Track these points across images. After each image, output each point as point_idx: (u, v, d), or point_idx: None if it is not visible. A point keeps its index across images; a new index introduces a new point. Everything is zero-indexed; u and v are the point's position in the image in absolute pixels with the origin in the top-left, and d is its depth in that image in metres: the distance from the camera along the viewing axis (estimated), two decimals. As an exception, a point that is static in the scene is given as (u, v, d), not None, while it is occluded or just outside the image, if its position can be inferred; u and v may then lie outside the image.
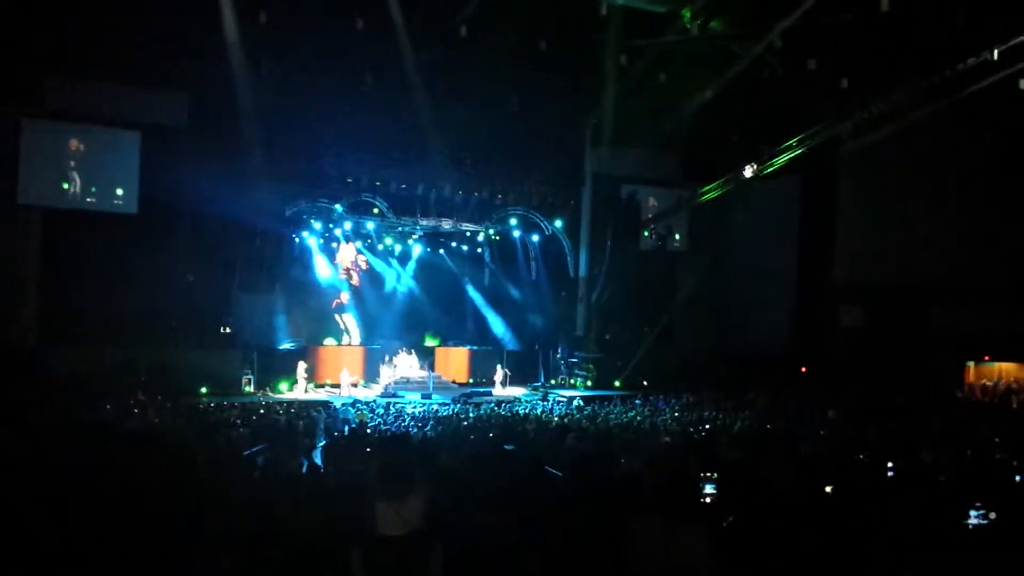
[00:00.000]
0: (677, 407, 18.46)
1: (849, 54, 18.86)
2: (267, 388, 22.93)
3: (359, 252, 27.24)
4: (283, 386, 23.23)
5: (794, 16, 16.64)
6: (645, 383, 25.00)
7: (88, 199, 21.41)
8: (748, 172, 25.33)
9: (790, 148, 23.46)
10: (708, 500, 5.58)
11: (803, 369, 24.86)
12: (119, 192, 21.57)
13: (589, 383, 25.88)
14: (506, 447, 8.87)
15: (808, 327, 25.56)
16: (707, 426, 14.02)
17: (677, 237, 28.73)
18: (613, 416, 16.42)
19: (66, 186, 21.14)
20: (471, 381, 26.67)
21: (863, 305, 23.52)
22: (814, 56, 18.66)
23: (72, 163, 21.19)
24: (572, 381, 26.16)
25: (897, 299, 22.56)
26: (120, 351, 20.66)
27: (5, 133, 20.44)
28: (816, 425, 13.04)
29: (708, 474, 5.65)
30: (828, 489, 6.12)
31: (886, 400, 17.19)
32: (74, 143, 21.27)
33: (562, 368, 26.94)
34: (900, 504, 4.88)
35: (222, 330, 23.18)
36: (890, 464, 6.19)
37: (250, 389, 22.46)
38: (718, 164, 26.98)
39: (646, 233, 28.14)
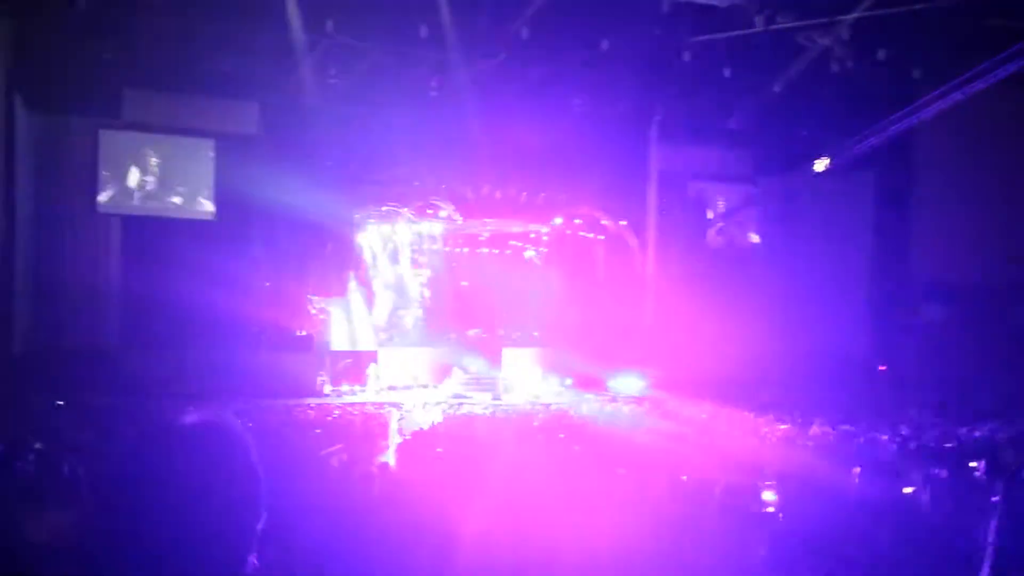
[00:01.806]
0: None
1: (922, 43, 18.31)
2: (342, 390, 23.32)
3: (427, 254, 27.51)
4: (357, 388, 23.60)
5: (863, 6, 16.23)
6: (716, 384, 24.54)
7: (165, 206, 22.11)
8: (820, 166, 24.86)
9: (862, 141, 22.97)
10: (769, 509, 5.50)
11: (881, 368, 24.20)
12: (195, 199, 22.23)
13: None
14: (574, 447, 8.90)
15: (886, 326, 24.86)
16: (782, 427, 13.79)
17: (747, 235, 28.26)
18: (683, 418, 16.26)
19: (143, 194, 21.85)
20: (539, 383, 26.63)
21: (943, 303, 22.78)
22: (885, 46, 18.15)
23: (149, 171, 21.91)
24: (639, 383, 25.89)
25: (979, 296, 21.79)
26: (198, 355, 21.25)
27: (84, 144, 21.23)
28: (895, 426, 12.71)
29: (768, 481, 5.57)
30: (907, 491, 5.98)
31: (967, 400, 16.66)
32: (151, 152, 22.00)
33: (631, 369, 26.71)
34: (981, 506, 4.74)
35: (298, 333, 23.68)
36: (972, 464, 6.02)
37: (326, 391, 22.86)
38: (788, 159, 26.55)
39: (714, 230, 27.78)
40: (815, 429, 12.80)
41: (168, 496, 1.50)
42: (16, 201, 17.80)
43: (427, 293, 27.76)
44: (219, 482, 1.54)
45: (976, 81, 19.14)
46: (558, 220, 26.65)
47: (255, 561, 1.61)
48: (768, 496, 6.07)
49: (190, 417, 1.63)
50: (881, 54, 18.40)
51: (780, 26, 17.24)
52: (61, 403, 14.95)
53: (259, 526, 1.62)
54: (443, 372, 25.44)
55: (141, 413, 13.65)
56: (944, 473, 5.63)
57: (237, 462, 1.60)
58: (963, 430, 11.19)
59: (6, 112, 17.17)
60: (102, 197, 21.42)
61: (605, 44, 18.73)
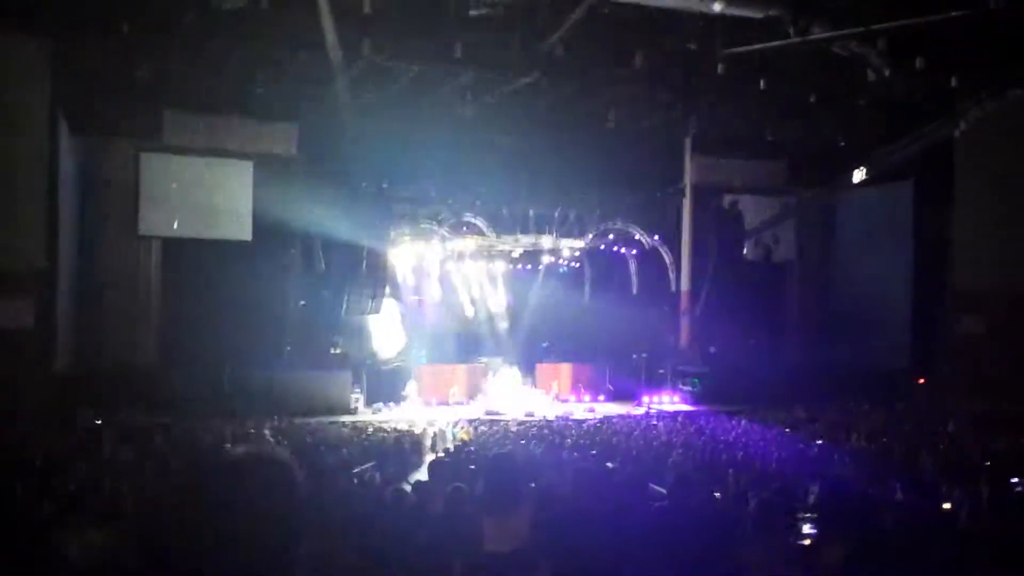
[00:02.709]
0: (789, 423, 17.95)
1: (958, 51, 18.03)
2: (376, 407, 23.43)
3: (463, 271, 27.64)
4: (391, 405, 23.71)
5: (899, 17, 16.03)
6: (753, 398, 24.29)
7: (205, 227, 22.43)
8: (857, 177, 24.53)
9: (900, 151, 22.64)
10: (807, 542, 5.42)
11: (921, 380, 23.74)
12: (234, 221, 22.50)
13: (693, 398, 25.42)
14: (608, 464, 8.84)
15: (927, 337, 24.40)
16: (820, 441, 13.61)
17: (783, 247, 27.98)
18: (720, 433, 16.11)
19: (183, 216, 22.20)
20: (572, 398, 26.53)
21: (984, 313, 22.30)
22: (921, 55, 17.90)
23: (189, 193, 22.25)
24: (674, 398, 25.70)
25: (1021, 307, 21.31)
26: (236, 373, 21.50)
27: (126, 166, 21.66)
28: (935, 439, 12.47)
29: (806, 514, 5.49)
30: (947, 506, 5.87)
31: (1009, 412, 16.28)
32: (191, 174, 22.35)
33: (666, 383, 26.55)
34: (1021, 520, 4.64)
35: (333, 351, 23.87)
36: (1014, 480, 5.89)
37: (360, 408, 22.99)
38: (825, 169, 26.26)
39: (750, 243, 27.55)
40: (852, 443, 12.63)
41: (211, 523, 1.53)
42: (59, 221, 18.17)
43: (466, 311, 27.88)
44: (263, 512, 1.58)
45: (1014, 88, 18.83)
46: (591, 235, 26.60)
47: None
48: (805, 512, 5.99)
49: (239, 448, 1.67)
50: (919, 62, 18.14)
51: (815, 36, 17.08)
52: (100, 421, 15.20)
53: (301, 554, 1.65)
54: (476, 388, 25.48)
55: (187, 436, 13.86)
56: (985, 488, 5.52)
57: (280, 495, 1.63)
58: (1003, 442, 10.95)
59: (50, 134, 17.57)
60: (142, 219, 21.78)
61: (639, 59, 18.70)
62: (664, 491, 6.99)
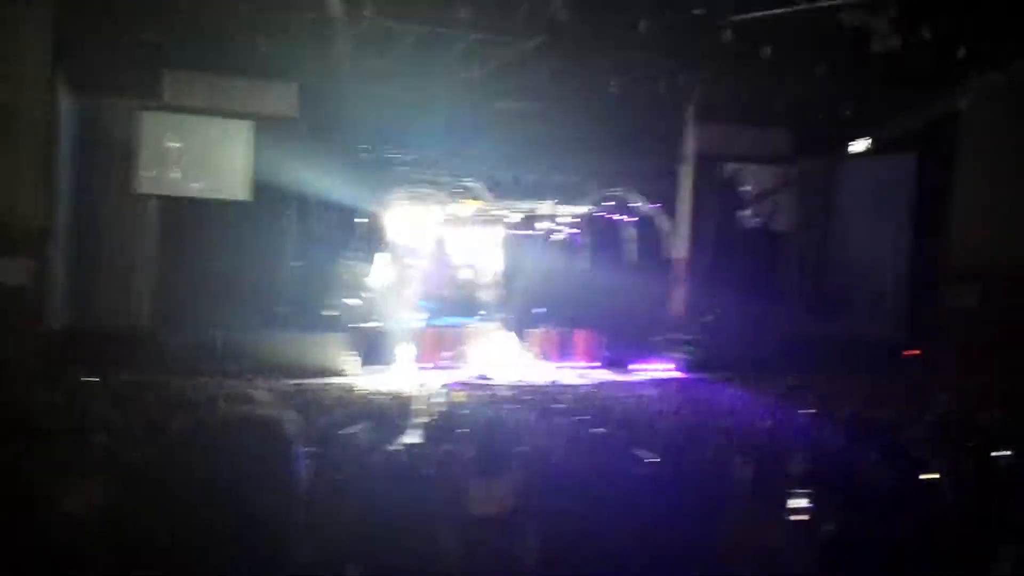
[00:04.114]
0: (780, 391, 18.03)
1: (967, 23, 17.87)
2: (370, 369, 23.50)
3: (458, 234, 27.62)
4: (384, 367, 23.78)
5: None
6: (746, 367, 24.37)
7: (203, 187, 22.35)
8: (860, 147, 24.45)
9: (905, 122, 22.53)
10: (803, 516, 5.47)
11: (912, 353, 23.83)
12: (234, 181, 22.39)
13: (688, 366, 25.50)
14: (599, 429, 8.91)
15: (921, 310, 24.48)
16: (810, 410, 13.68)
17: (782, 217, 27.92)
18: (712, 401, 16.19)
19: (182, 175, 22.10)
20: (566, 364, 26.60)
21: (980, 288, 22.34)
22: (930, 24, 17.74)
23: (188, 153, 22.13)
24: (668, 365, 25.78)
25: (1017, 282, 21.33)
26: (229, 335, 21.52)
27: (124, 125, 21.51)
28: (924, 412, 12.55)
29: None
30: (934, 477, 5.92)
31: (1000, 387, 16.36)
32: (190, 134, 22.21)
33: (660, 350, 26.62)
34: (1004, 493, 4.70)
35: (327, 313, 23.89)
36: (997, 453, 5.95)
37: (354, 371, 23.07)
38: (828, 139, 26.11)
39: (750, 212, 27.49)
40: (843, 413, 12.70)
41: (206, 486, 1.54)
42: (56, 181, 18.11)
43: (462, 275, 27.89)
44: (260, 476, 1.58)
45: (1021, 63, 18.70)
46: (590, 202, 26.55)
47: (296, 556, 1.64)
48: (792, 484, 6.04)
49: (236, 410, 1.67)
50: (926, 32, 17.98)
51: (822, 3, 16.94)
52: (94, 381, 15.21)
53: (298, 522, 1.66)
54: (469, 352, 25.50)
55: (179, 396, 13.91)
56: (970, 462, 5.58)
57: (279, 457, 1.64)
58: (991, 418, 11.01)
59: (49, 93, 17.45)
60: (140, 178, 21.67)
61: (643, 25, 18.52)
62: (654, 457, 7.05)
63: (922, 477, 5.62)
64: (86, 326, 20.40)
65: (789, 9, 17.05)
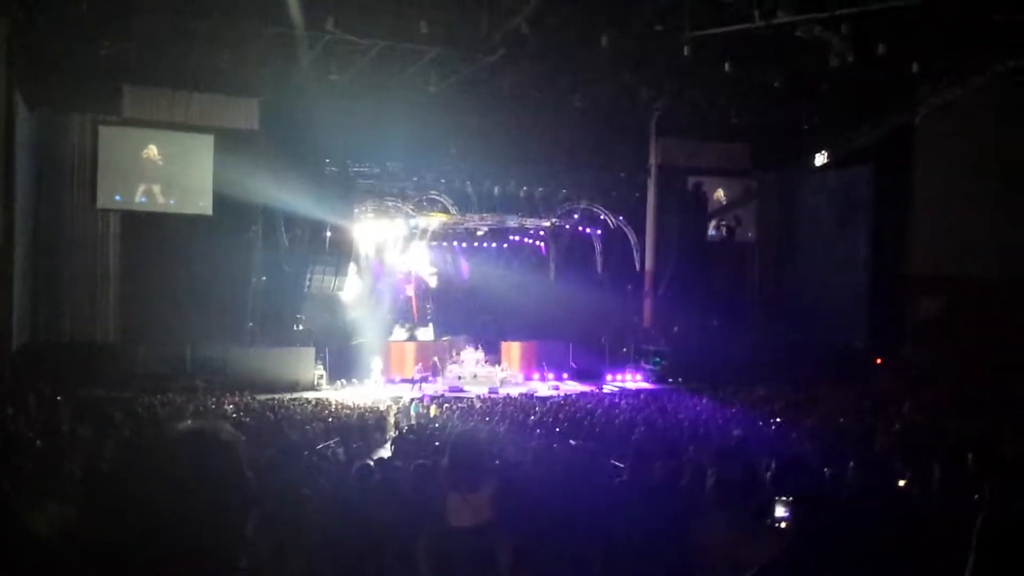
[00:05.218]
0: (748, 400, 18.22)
1: (920, 38, 18.28)
2: (340, 384, 23.37)
3: (426, 249, 27.59)
4: (355, 381, 23.66)
5: (862, 3, 16.20)
6: (714, 377, 24.61)
7: (164, 202, 22.12)
8: (819, 160, 24.88)
9: (861, 135, 22.97)
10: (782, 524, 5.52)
11: (878, 361, 24.22)
12: (194, 195, 22.20)
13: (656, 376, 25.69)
14: (571, 441, 8.93)
15: (883, 319, 24.90)
16: (778, 419, 13.84)
17: (745, 228, 28.32)
18: (681, 411, 16.31)
19: (143, 189, 21.87)
20: (536, 376, 26.70)
21: (941, 297, 22.80)
22: (884, 41, 18.13)
23: (148, 167, 21.91)
24: (636, 376, 25.97)
25: (977, 291, 21.79)
26: (197, 349, 21.30)
27: (84, 140, 21.24)
28: (891, 419, 12.76)
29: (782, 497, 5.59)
30: (901, 483, 6.01)
31: (965, 394, 16.68)
32: (150, 148, 21.99)
33: (629, 361, 26.81)
34: (976, 499, 4.79)
35: (296, 328, 23.73)
36: (968, 458, 6.05)
37: (324, 385, 22.93)
38: (787, 153, 26.56)
39: (713, 224, 27.83)
40: (810, 421, 12.86)
41: (161, 499, 1.56)
42: (16, 196, 17.78)
43: (430, 285, 27.86)
44: (208, 488, 1.60)
45: (975, 76, 19.16)
46: (556, 215, 26.70)
47: (244, 565, 1.67)
48: (764, 491, 6.11)
49: (182, 425, 1.69)
50: (881, 49, 18.37)
51: (779, 20, 17.22)
52: (60, 398, 14.97)
53: (248, 528, 1.67)
54: (440, 365, 25.50)
55: (137, 412, 13.72)
56: (937, 468, 5.67)
57: (226, 469, 1.65)
58: (958, 423, 11.23)
59: (6, 108, 17.13)
60: (100, 193, 21.40)
61: (605, 39, 18.68)
62: (625, 467, 7.09)
63: (890, 483, 5.72)
64: (50, 343, 20.08)
65: (748, 25, 17.31)
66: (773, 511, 5.68)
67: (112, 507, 1.58)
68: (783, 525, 5.53)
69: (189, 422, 1.75)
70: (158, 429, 1.95)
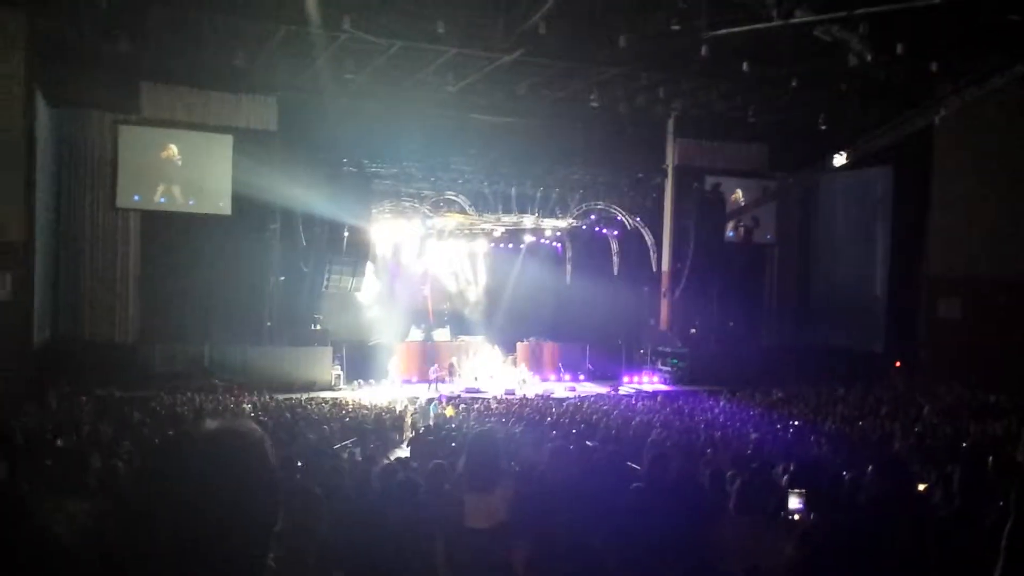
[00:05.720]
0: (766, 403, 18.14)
1: (939, 38, 18.13)
2: (357, 384, 23.43)
3: (444, 249, 27.62)
4: (372, 381, 23.71)
5: (881, 2, 16.08)
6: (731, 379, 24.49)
7: (184, 202, 22.24)
8: (838, 161, 24.68)
9: (880, 136, 22.78)
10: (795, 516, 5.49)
11: (897, 364, 24.03)
12: (213, 195, 22.29)
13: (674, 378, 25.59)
14: (587, 443, 8.91)
15: (903, 321, 24.69)
16: (796, 422, 13.76)
17: (763, 230, 28.13)
18: (698, 413, 16.26)
19: (162, 189, 22.00)
20: (553, 377, 26.68)
21: (960, 298, 22.59)
22: (903, 41, 17.99)
23: (168, 167, 22.01)
24: (653, 378, 25.88)
25: (997, 292, 21.58)
26: (215, 349, 21.41)
27: (103, 140, 21.39)
28: (910, 422, 12.66)
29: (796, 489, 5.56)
30: (921, 487, 5.96)
31: (984, 397, 16.53)
32: (170, 148, 22.08)
33: (646, 363, 26.73)
34: (994, 504, 4.74)
35: (313, 327, 23.81)
36: (988, 461, 6.01)
37: (341, 385, 22.99)
38: (805, 154, 26.38)
39: (731, 225, 27.68)
40: (829, 424, 12.79)
41: (194, 498, 1.56)
42: (37, 195, 17.93)
43: (447, 289, 27.90)
44: (237, 488, 1.60)
45: (994, 77, 18.97)
46: (573, 216, 26.65)
47: (272, 563, 1.67)
48: (785, 493, 6.08)
49: (211, 423, 1.68)
50: (900, 49, 18.23)
51: (798, 20, 17.12)
52: (84, 397, 15.11)
53: (276, 528, 1.68)
54: (456, 366, 25.52)
55: (156, 411, 13.81)
56: (957, 471, 5.62)
57: (258, 467, 1.65)
58: (977, 427, 11.14)
59: (27, 107, 17.28)
60: (120, 192, 21.54)
61: (622, 40, 18.64)
62: (641, 469, 7.07)
63: (910, 486, 5.67)
64: (71, 341, 20.24)
65: (766, 25, 17.21)
66: (787, 504, 5.66)
67: (141, 506, 1.58)
68: (796, 517, 5.50)
69: (214, 421, 1.76)
70: (183, 427, 1.95)
